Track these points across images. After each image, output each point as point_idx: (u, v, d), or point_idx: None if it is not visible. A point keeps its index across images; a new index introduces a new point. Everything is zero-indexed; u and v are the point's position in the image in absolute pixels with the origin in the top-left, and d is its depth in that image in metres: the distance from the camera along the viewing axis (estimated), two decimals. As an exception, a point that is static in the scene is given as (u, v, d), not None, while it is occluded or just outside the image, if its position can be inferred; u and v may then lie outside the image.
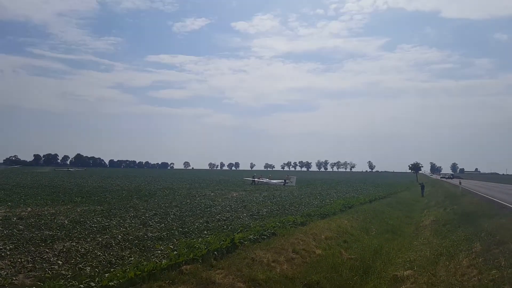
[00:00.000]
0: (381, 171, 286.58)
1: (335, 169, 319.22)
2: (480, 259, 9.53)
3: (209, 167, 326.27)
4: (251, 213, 17.39)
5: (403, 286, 8.97)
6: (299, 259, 10.41)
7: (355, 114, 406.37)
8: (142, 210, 17.19)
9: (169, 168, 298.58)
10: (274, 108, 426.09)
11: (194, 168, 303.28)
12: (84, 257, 9.00)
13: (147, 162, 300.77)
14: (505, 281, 7.46)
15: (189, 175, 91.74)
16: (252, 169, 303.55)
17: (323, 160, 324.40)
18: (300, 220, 15.10)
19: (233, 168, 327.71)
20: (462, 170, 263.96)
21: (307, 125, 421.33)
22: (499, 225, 13.52)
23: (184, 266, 8.33)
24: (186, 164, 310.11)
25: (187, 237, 11.25)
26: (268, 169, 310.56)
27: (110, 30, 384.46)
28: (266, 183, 45.41)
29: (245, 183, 47.71)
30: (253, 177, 48.51)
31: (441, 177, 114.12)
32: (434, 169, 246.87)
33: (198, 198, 23.96)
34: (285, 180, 45.78)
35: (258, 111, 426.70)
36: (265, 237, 11.67)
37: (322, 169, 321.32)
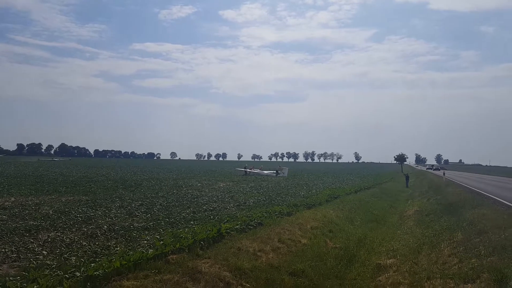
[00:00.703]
0: (367, 162, 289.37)
1: (322, 160, 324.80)
2: (461, 248, 9.66)
3: (196, 158, 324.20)
4: (238, 203, 17.33)
5: (386, 274, 9.07)
6: (285, 248, 10.49)
7: (342, 105, 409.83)
8: (128, 201, 17.01)
9: (155, 158, 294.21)
10: (261, 98, 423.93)
11: (181, 158, 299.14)
12: (69, 247, 8.90)
13: (133, 152, 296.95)
14: (484, 269, 7.58)
15: (175, 165, 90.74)
16: (240, 160, 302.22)
17: (310, 151, 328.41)
18: (286, 210, 15.09)
19: (221, 159, 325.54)
20: (446, 161, 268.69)
21: (295, 115, 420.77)
22: (481, 215, 13.71)
23: (171, 256, 8.34)
24: (173, 154, 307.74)
25: (173, 227, 11.17)
26: (256, 160, 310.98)
27: (94, 17, 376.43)
28: (258, 174, 45.46)
29: (235, 173, 47.51)
30: (245, 168, 48.41)
31: (426, 168, 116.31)
32: (419, 160, 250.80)
33: (185, 189, 23.69)
34: (277, 171, 45.78)
35: (246, 101, 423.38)
36: (251, 227, 11.65)
37: (309, 160, 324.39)
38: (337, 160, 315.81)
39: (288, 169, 48.21)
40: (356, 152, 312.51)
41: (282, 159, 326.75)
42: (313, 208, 16.82)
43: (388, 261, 10.01)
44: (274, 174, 44.56)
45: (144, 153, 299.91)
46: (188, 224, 11.69)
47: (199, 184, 28.29)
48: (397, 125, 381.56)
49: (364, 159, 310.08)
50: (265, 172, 47.13)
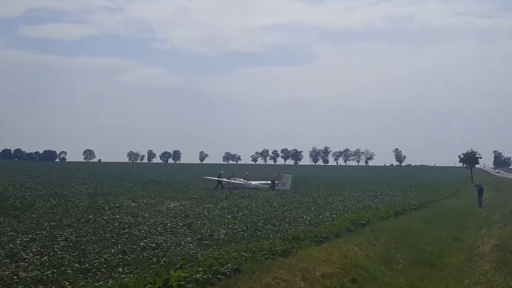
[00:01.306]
0: (416, 166, 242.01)
1: (340, 162, 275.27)
2: None
3: (129, 159, 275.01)
4: (199, 236, 15.65)
5: None
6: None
7: (371, 71, 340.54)
8: (10, 233, 15.05)
9: (57, 160, 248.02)
10: (241, 58, 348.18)
11: (102, 160, 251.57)
12: None
13: (18, 150, 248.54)
14: None
15: (92, 172, 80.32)
16: (203, 162, 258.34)
17: (321, 147, 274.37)
18: (281, 247, 13.95)
19: (170, 160, 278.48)
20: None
21: (295, 88, 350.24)
22: None
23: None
24: (88, 154, 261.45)
25: (87, 279, 10.14)
26: (231, 162, 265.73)
27: None
28: (242, 186, 40.18)
29: (198, 185, 42.48)
30: (220, 176, 41.12)
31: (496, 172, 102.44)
32: (500, 161, 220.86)
33: (109, 212, 21.32)
34: (273, 182, 40.66)
35: (214, 63, 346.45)
36: (222, 275, 10.87)
37: (320, 163, 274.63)
38: (366, 163, 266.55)
39: (292, 177, 42.75)
40: (397, 150, 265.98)
41: (275, 161, 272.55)
42: (325, 242, 15.74)
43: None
44: (268, 186, 39.60)
45: (38, 152, 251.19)
46: (113, 272, 10.60)
47: (133, 204, 25.35)
48: (464, 106, 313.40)
49: (410, 160, 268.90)
50: (253, 183, 41.87)
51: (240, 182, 41.01)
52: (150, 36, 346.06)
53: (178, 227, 17.52)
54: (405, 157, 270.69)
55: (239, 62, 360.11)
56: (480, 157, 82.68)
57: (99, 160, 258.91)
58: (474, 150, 79.57)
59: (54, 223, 17.48)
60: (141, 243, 14.00)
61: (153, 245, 13.88)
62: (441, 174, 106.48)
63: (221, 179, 40.03)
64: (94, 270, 10.77)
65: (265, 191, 36.90)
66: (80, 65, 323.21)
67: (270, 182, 41.14)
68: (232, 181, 40.69)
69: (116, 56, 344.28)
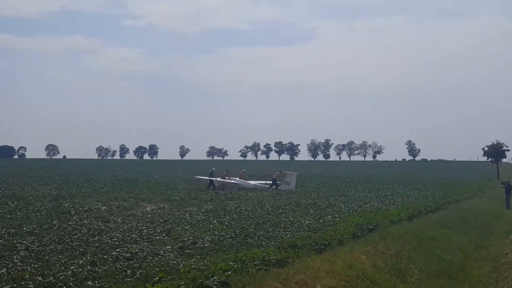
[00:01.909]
0: (432, 160, 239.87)
1: (344, 157, 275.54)
2: None
3: (99, 155, 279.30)
4: (180, 244, 15.53)
5: None
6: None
7: (382, 50, 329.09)
8: None
9: (16, 157, 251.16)
10: (226, 37, 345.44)
11: (67, 157, 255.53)
12: None
13: None
14: None
15: (57, 170, 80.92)
16: (183, 158, 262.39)
17: (321, 139, 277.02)
18: (275, 256, 13.90)
19: (146, 156, 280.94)
20: None
21: (290, 71, 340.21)
22: None
23: None
24: (51, 149, 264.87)
25: None
26: (216, 158, 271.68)
27: None
28: (238, 185, 40.28)
29: (182, 185, 42.64)
30: (212, 174, 40.79)
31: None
32: None
33: (75, 217, 21.48)
34: (274, 181, 40.59)
35: (195, 43, 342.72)
36: None
37: (320, 158, 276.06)
38: (374, 157, 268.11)
39: (296, 175, 42.75)
40: (410, 142, 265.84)
41: (267, 156, 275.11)
42: (327, 251, 15.76)
43: None
44: (269, 186, 39.69)
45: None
46: (81, 286, 10.71)
47: (104, 207, 25.63)
48: (489, 89, 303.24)
49: (426, 154, 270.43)
50: (251, 182, 42.07)
51: (236, 182, 40.78)
52: (121, 11, 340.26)
53: (156, 234, 17.41)
54: (419, 150, 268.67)
55: (223, 41, 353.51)
56: (508, 150, 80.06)
57: (64, 156, 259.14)
58: (501, 142, 78.27)
59: (13, 230, 17.41)
60: (114, 253, 13.90)
61: (127, 255, 13.77)
62: (461, 170, 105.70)
63: (213, 178, 39.64)
64: (59, 284, 10.72)
65: (256, 191, 36.86)
66: (39, 47, 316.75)
67: (271, 181, 40.97)
68: (227, 180, 40.43)
69: (81, 35, 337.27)
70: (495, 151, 77.92)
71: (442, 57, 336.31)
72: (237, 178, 42.16)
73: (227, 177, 41.07)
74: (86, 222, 19.91)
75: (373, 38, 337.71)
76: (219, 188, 38.52)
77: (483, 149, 79.82)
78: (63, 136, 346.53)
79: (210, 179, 39.56)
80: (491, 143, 78.57)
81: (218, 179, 40.12)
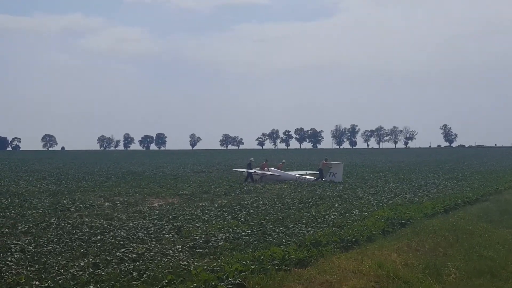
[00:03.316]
0: (471, 147, 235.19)
1: (372, 144, 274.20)
2: None
3: (101, 146, 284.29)
4: (191, 243, 15.43)
5: None
6: None
7: (415, 25, 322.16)
8: None
9: (9, 149, 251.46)
10: (240, 12, 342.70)
11: (65, 148, 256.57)
12: None
13: None
14: None
15: (55, 163, 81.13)
16: (194, 148, 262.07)
17: (346, 125, 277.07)
18: (296, 255, 13.78)
19: (153, 147, 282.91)
20: None
21: (311, 50, 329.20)
22: None
23: None
24: (48, 140, 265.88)
25: None
26: (231, 147, 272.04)
27: None
28: (278, 178, 39.41)
29: (204, 178, 42.30)
30: (249, 166, 40.08)
31: None
32: None
33: (76, 215, 21.58)
34: (320, 171, 39.57)
35: (205, 20, 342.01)
36: None
37: (346, 145, 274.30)
38: (406, 144, 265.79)
39: (343, 164, 42.25)
40: (445, 127, 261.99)
41: (287, 145, 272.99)
42: (354, 248, 15.60)
43: None
44: (316, 178, 38.69)
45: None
46: None
47: (107, 203, 25.73)
48: None
49: (464, 139, 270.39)
50: (290, 174, 41.28)
51: (277, 174, 40.02)
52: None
53: (164, 232, 17.27)
54: (456, 135, 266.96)
55: (237, 18, 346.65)
56: None
57: (62, 148, 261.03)
58: None
59: (7, 230, 17.31)
60: (118, 253, 13.82)
61: (133, 255, 13.71)
62: (503, 157, 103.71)
63: (252, 171, 38.85)
64: (57, 287, 10.68)
65: (274, 184, 36.41)
66: (34, 27, 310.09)
67: (318, 172, 40.43)
68: (267, 172, 39.65)
69: (80, 13, 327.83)
70: None
71: (480, 30, 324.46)
72: (275, 169, 41.36)
73: (265, 168, 40.40)
74: (87, 220, 19.86)
75: (403, 11, 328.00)
76: (258, 181, 38.06)
77: None
78: (61, 125, 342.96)
79: (248, 171, 38.84)
80: None
81: (257, 170, 39.53)
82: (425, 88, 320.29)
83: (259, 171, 39.33)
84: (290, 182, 37.15)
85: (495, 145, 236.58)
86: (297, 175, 40.46)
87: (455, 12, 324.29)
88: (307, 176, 39.51)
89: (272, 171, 40.70)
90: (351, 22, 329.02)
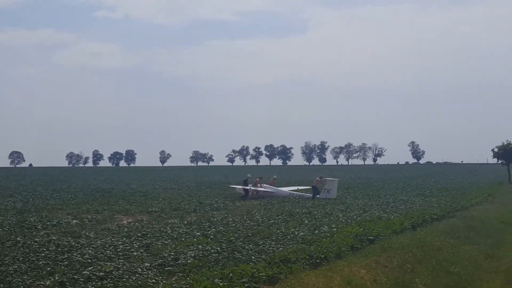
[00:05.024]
0: (437, 163, 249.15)
1: (342, 160, 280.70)
2: None
3: (69, 163, 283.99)
4: (160, 260, 15.37)
5: None
6: None
7: (385, 42, 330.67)
8: None
9: None
10: (211, 29, 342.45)
11: (33, 165, 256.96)
12: None
13: None
14: None
15: (22, 180, 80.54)
16: (165, 164, 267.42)
17: (316, 142, 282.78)
18: (266, 272, 13.84)
19: (122, 163, 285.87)
20: None
21: (281, 66, 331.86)
22: None
23: None
24: (15, 156, 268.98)
25: None
26: (201, 163, 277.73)
27: None
28: (272, 195, 39.72)
29: (174, 195, 41.99)
30: (245, 182, 40.96)
31: None
32: None
33: (42, 232, 21.38)
34: (315, 188, 39.87)
35: (177, 36, 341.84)
36: None
37: (316, 162, 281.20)
38: (375, 161, 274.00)
39: (338, 180, 42.65)
40: (413, 144, 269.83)
41: (257, 161, 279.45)
42: (323, 265, 15.69)
43: None
44: (313, 196, 38.74)
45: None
46: None
47: (74, 221, 25.61)
48: (500, 83, 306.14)
49: (431, 156, 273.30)
50: (284, 189, 41.86)
51: (271, 190, 40.45)
52: (94, 2, 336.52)
53: (133, 249, 17.17)
54: (424, 152, 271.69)
55: (208, 34, 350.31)
56: None
57: (30, 164, 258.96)
58: None
59: (-29, 247, 17.15)
60: (85, 272, 13.72)
61: (101, 274, 13.61)
62: (470, 174, 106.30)
63: (247, 188, 39.48)
64: None
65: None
66: (5, 42, 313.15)
67: (302, 188, 41.02)
68: (258, 188, 40.14)
69: (52, 29, 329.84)
70: (506, 152, 77.66)
71: (449, 49, 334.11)
72: (267, 186, 41.89)
73: (259, 185, 40.92)
74: (54, 238, 19.62)
75: (373, 28, 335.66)
76: (253, 197, 38.58)
77: (493, 150, 79.57)
78: (29, 142, 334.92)
79: (244, 188, 39.38)
80: (502, 144, 78.62)
81: (251, 187, 40.02)
82: (394, 106, 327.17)
83: (253, 188, 39.85)
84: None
85: (462, 161, 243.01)
86: (289, 191, 40.90)
87: (426, 30, 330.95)
88: (303, 194, 40.01)
89: (265, 187, 41.06)
90: (321, 39, 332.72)
